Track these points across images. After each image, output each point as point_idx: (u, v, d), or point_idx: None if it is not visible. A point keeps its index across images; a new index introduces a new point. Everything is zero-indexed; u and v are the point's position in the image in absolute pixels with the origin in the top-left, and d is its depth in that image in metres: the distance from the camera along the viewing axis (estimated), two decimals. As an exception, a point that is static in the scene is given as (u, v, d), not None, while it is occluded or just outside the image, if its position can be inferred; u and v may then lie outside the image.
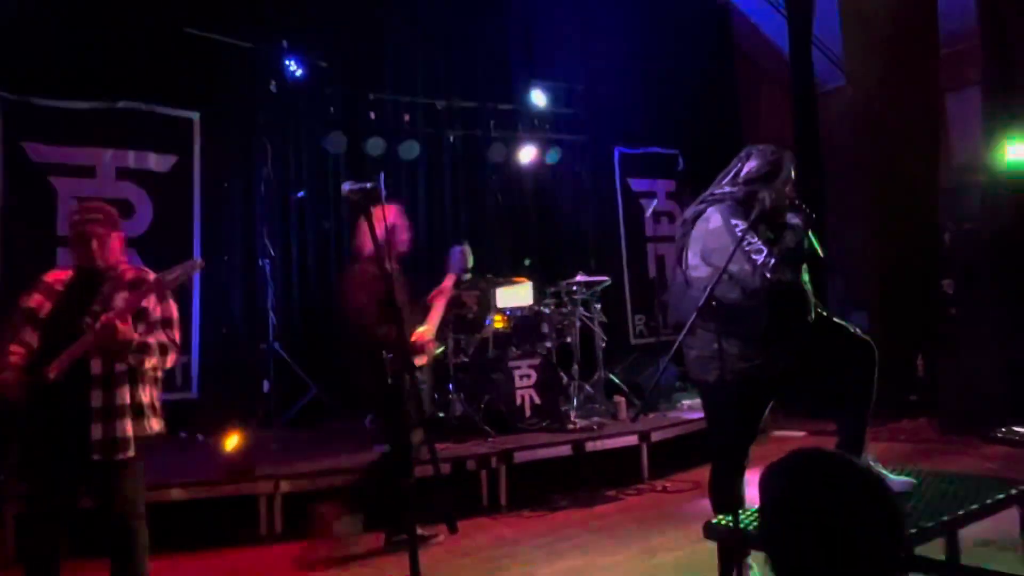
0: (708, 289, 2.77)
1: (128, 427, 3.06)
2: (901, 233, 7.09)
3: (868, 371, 3.09)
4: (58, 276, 3.20)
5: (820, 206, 7.92)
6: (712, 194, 3.18)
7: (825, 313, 3.22)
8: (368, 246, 4.14)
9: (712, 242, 3.04)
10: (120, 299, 3.08)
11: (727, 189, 3.14)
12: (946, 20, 7.28)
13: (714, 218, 3.06)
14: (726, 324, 2.94)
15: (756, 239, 2.95)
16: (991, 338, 6.36)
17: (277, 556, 4.36)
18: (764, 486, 1.36)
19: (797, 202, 3.07)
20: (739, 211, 3.04)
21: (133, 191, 6.26)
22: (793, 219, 3.01)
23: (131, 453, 3.06)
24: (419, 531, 4.25)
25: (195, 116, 6.58)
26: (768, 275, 2.88)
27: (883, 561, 1.25)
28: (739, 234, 2.93)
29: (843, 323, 3.20)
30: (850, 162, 7.77)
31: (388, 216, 3.80)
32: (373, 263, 3.88)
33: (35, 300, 3.11)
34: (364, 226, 4.07)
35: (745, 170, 3.16)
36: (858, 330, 3.17)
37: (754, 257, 2.92)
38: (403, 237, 4.35)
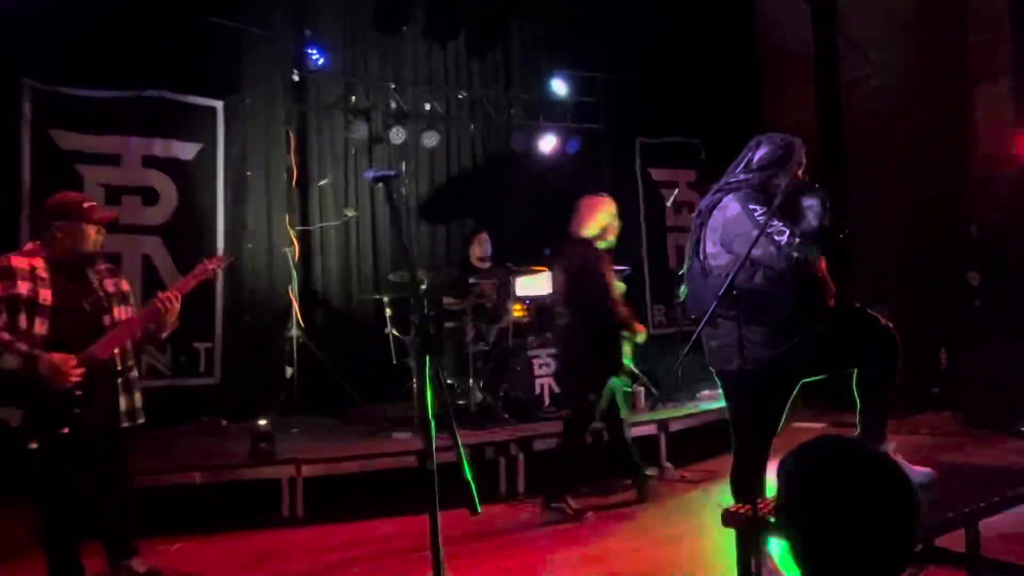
0: (730, 276, 2.76)
1: (140, 397, 3.51)
2: (927, 225, 7.01)
3: (891, 363, 3.07)
4: (29, 262, 3.25)
5: (843, 196, 7.86)
6: (727, 183, 3.18)
7: (845, 302, 3.20)
8: (584, 229, 4.80)
9: (733, 229, 3.03)
10: (120, 284, 3.49)
11: (742, 177, 3.14)
12: (975, 7, 7.16)
13: (732, 206, 3.05)
14: (748, 312, 2.94)
15: (778, 222, 2.95)
16: (1016, 331, 6.28)
17: (299, 539, 4.43)
18: (782, 473, 1.36)
19: (811, 182, 3.09)
20: (757, 197, 3.03)
21: (158, 178, 6.33)
22: (808, 200, 3.00)
23: (143, 420, 3.47)
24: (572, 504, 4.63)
25: (219, 105, 6.63)
26: (795, 254, 2.87)
27: (900, 549, 1.25)
28: (759, 219, 2.93)
29: (869, 311, 3.17)
30: (875, 152, 7.68)
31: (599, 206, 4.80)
32: (591, 246, 4.71)
33: (23, 287, 3.18)
34: (590, 208, 4.83)
35: (757, 157, 3.16)
36: (883, 319, 3.13)
37: (777, 238, 2.90)
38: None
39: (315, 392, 6.59)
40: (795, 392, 3.22)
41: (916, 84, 7.03)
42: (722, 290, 2.74)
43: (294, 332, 6.50)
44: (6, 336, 3.11)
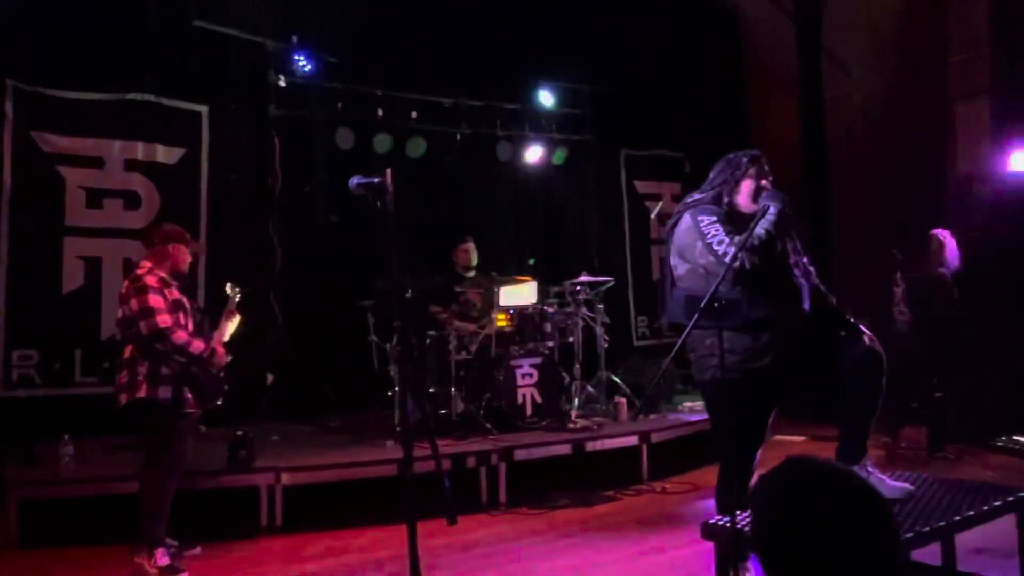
0: (712, 288, 2.80)
1: None
2: (906, 240, 7.06)
3: (876, 381, 3.09)
4: (158, 277, 4.12)
5: (824, 210, 7.94)
6: (685, 203, 3.32)
7: (833, 311, 3.22)
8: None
9: (682, 240, 3.18)
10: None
11: (696, 196, 3.30)
12: (956, 27, 7.27)
13: (684, 220, 3.19)
14: (713, 319, 3.00)
15: (719, 231, 3.03)
16: (994, 347, 6.35)
17: (276, 548, 4.39)
18: (756, 495, 1.35)
19: (763, 184, 3.17)
20: (712, 210, 3.16)
21: (141, 182, 6.28)
22: (765, 201, 3.06)
23: None
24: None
25: (203, 109, 6.60)
26: (735, 264, 2.92)
27: (877, 572, 1.24)
28: (704, 229, 3.07)
29: (856, 324, 3.17)
30: (857, 168, 7.76)
31: None
32: None
33: (176, 293, 4.15)
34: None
35: (712, 175, 3.32)
36: (868, 335, 3.13)
37: (715, 248, 3.02)
38: None
39: (296, 399, 6.55)
40: (774, 404, 3.23)
41: (897, 101, 7.12)
42: (704, 302, 2.76)
43: (276, 339, 6.45)
44: (185, 331, 4.06)
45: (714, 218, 3.09)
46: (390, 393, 5.95)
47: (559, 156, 8.11)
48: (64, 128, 6.00)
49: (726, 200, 3.20)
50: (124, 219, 6.17)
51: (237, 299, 4.43)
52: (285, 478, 4.72)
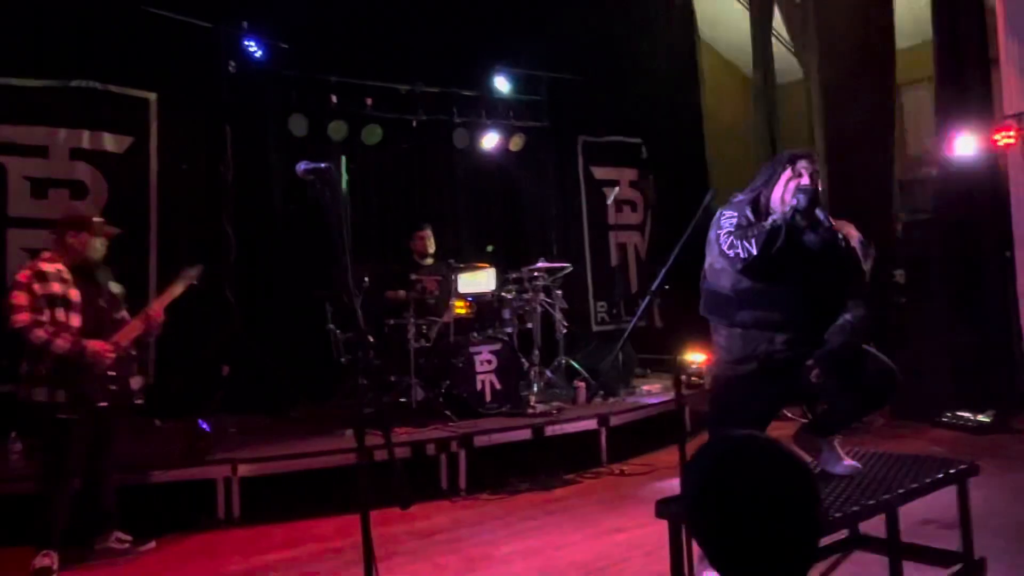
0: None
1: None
2: (856, 224, 7.23)
3: (882, 396, 3.16)
4: (55, 266, 3.89)
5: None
6: (730, 202, 3.27)
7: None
8: None
9: (710, 235, 3.15)
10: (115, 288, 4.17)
11: (739, 197, 3.22)
12: (903, 16, 7.44)
13: (715, 216, 3.16)
14: (709, 311, 3.09)
15: (732, 225, 3.02)
16: (939, 327, 6.55)
17: (233, 540, 4.35)
18: (687, 471, 1.38)
19: (800, 182, 3.07)
20: (736, 206, 3.12)
21: (87, 172, 6.12)
22: (794, 197, 3.02)
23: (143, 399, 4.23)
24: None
25: (152, 96, 6.45)
26: (740, 253, 2.95)
27: (800, 546, 1.27)
28: (721, 222, 3.05)
29: (873, 352, 3.15)
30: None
31: None
32: None
33: (56, 287, 3.84)
34: None
35: (754, 177, 3.27)
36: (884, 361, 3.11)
37: (721, 241, 3.02)
38: None
39: (253, 390, 6.46)
40: (777, 409, 3.24)
41: (847, 88, 7.26)
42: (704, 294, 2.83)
43: (231, 329, 6.37)
44: (50, 328, 3.75)
45: (735, 214, 3.05)
46: (349, 383, 5.92)
47: (516, 143, 8.10)
48: (6, 116, 5.80)
49: (763, 200, 3.13)
50: (71, 209, 5.99)
51: (184, 283, 4.28)
52: (242, 469, 4.67)
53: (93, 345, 3.82)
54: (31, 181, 5.89)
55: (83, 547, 3.99)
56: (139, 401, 4.13)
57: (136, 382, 4.16)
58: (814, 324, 3.05)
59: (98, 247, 4.07)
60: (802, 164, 3.11)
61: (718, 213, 3.14)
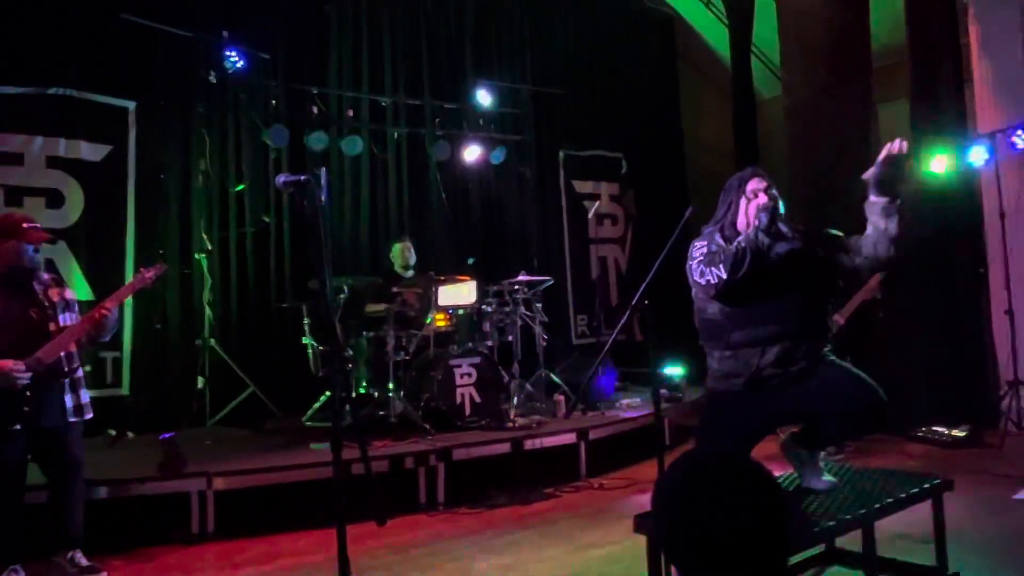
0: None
1: (86, 394, 3.91)
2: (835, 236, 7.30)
3: (871, 426, 3.18)
4: None
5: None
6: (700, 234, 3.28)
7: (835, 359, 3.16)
8: None
9: (686, 265, 3.16)
10: (64, 293, 3.86)
11: (708, 229, 3.23)
12: (880, 35, 7.55)
13: (690, 247, 3.17)
14: (706, 338, 3.14)
15: (701, 252, 3.04)
16: (914, 342, 6.62)
17: (208, 554, 4.29)
18: (657, 489, 1.36)
19: (757, 201, 3.09)
20: (706, 235, 3.15)
21: (63, 180, 6.06)
22: (757, 219, 3.03)
23: (91, 415, 3.90)
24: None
25: (130, 105, 6.41)
26: (709, 283, 2.98)
27: (769, 564, 1.26)
28: (692, 252, 3.09)
29: (857, 372, 3.14)
30: (787, 169, 7.98)
31: None
32: None
33: None
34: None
35: (716, 207, 3.27)
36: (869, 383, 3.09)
37: (694, 269, 3.06)
38: None
39: (229, 403, 6.40)
40: (764, 432, 3.23)
41: (825, 105, 7.35)
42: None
43: (207, 341, 6.31)
44: None
45: (705, 243, 3.08)
46: (326, 396, 5.88)
47: (497, 156, 8.12)
48: (-19, 124, 5.75)
49: (728, 230, 3.13)
50: (47, 218, 5.92)
51: (140, 282, 3.99)
52: (218, 483, 4.61)
53: (1, 365, 3.51)
54: (6, 189, 5.82)
55: (46, 561, 3.81)
56: (74, 420, 3.80)
57: (73, 399, 3.82)
58: (805, 332, 3.07)
59: (29, 253, 3.76)
60: (751, 186, 3.14)
61: (691, 244, 3.16)
